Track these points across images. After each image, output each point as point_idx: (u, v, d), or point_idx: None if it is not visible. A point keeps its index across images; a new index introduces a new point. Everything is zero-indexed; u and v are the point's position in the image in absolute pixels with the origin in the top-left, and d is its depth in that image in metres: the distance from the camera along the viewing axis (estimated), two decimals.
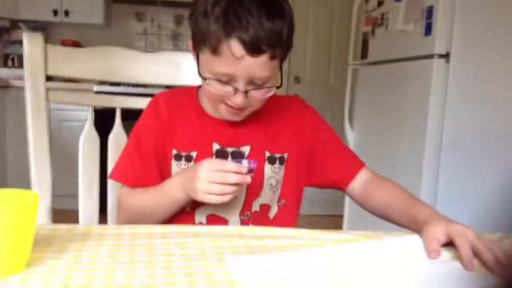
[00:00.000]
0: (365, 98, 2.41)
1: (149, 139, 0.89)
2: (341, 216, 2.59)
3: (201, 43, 0.78)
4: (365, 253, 0.65)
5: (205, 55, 0.78)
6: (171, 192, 0.82)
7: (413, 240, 0.70)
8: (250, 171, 0.75)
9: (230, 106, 0.81)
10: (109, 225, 1.00)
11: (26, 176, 1.03)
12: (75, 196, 1.06)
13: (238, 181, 0.74)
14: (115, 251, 0.62)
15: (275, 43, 0.75)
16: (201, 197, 0.75)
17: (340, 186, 0.95)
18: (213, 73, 0.78)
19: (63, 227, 0.71)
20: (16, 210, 0.54)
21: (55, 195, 1.03)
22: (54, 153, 1.04)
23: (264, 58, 0.75)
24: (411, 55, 1.91)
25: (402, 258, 0.65)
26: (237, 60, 0.74)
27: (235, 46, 0.73)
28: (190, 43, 0.84)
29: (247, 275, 0.56)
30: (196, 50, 0.82)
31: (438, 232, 0.68)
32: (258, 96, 0.80)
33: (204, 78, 0.80)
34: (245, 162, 0.76)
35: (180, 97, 0.93)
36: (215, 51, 0.75)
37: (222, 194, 0.75)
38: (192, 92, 0.93)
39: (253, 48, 0.73)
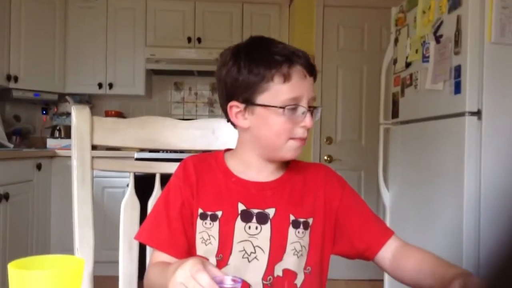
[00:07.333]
0: (399, 157, 2.39)
1: (177, 200, 0.91)
2: (382, 281, 2.49)
3: (264, 82, 0.84)
4: None
5: (271, 91, 0.84)
6: (168, 276, 0.73)
7: None
8: None
9: (298, 139, 0.87)
10: None
11: (67, 244, 1.05)
12: (112, 262, 1.05)
13: None
14: None
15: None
16: None
17: (367, 255, 0.92)
18: (284, 103, 0.84)
19: None
20: (63, 275, 0.55)
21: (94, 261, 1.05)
22: (96, 219, 1.06)
23: (312, 78, 0.88)
24: (442, 113, 1.91)
25: None
26: (303, 80, 0.86)
27: (300, 70, 0.85)
28: (232, 104, 0.88)
29: None
30: (249, 101, 0.86)
31: (456, 285, 0.68)
32: (313, 119, 0.88)
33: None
34: (228, 280, 0.68)
35: (207, 159, 0.96)
36: (286, 77, 0.84)
37: None
38: (219, 154, 0.97)
39: (310, 69, 0.87)
